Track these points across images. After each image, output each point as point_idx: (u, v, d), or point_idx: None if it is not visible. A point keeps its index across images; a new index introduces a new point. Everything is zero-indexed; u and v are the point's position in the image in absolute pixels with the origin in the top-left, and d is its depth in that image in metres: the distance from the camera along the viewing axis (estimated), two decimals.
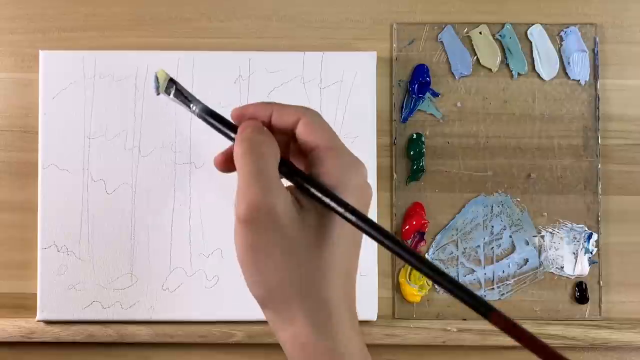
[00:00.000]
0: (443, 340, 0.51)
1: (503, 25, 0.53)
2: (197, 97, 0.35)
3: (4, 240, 0.51)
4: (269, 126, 0.34)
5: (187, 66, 0.51)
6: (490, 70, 0.53)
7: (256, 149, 0.31)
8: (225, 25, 0.53)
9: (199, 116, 0.35)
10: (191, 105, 0.35)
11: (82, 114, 0.50)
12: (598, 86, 0.53)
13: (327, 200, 0.31)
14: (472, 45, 0.53)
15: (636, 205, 0.53)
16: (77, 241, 0.50)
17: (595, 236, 0.52)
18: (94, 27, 0.52)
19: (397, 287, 0.52)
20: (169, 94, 0.35)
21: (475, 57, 0.53)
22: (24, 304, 0.51)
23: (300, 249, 0.31)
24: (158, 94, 0.35)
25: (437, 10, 0.53)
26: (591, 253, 0.52)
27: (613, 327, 0.51)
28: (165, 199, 0.50)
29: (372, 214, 0.51)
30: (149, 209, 0.50)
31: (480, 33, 0.53)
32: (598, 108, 0.53)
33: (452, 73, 0.53)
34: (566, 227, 0.52)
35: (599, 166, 0.52)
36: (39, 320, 0.50)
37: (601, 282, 0.52)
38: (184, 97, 0.35)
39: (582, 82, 0.53)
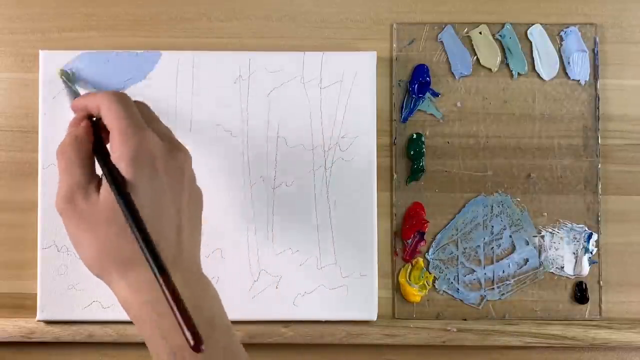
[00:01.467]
0: (443, 340, 0.51)
1: (503, 25, 0.53)
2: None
3: (4, 240, 0.51)
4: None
5: (187, 66, 0.51)
6: (490, 70, 0.53)
7: (64, 146, 0.39)
8: (225, 25, 0.53)
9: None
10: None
11: None
12: (598, 86, 0.53)
13: (106, 177, 0.37)
14: (472, 45, 0.53)
15: (636, 205, 0.53)
16: None
17: (595, 236, 0.52)
18: (94, 27, 0.52)
19: (397, 287, 0.52)
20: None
21: (475, 57, 0.53)
22: (24, 304, 0.51)
23: (100, 225, 0.37)
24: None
25: (437, 10, 0.53)
26: (591, 253, 0.52)
27: (613, 327, 0.51)
28: None
29: (372, 214, 0.51)
30: None
31: (480, 33, 0.53)
32: (598, 108, 0.53)
33: (452, 73, 0.53)
34: (566, 227, 0.52)
35: (599, 166, 0.52)
36: (39, 320, 0.50)
37: (601, 282, 0.52)
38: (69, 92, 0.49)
39: (582, 82, 0.53)
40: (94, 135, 0.40)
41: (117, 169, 0.37)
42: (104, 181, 0.37)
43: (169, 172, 0.38)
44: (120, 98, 0.39)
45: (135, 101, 0.41)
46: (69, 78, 0.50)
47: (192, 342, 0.33)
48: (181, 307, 0.34)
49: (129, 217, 0.36)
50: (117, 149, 0.37)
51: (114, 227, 0.37)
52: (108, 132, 0.39)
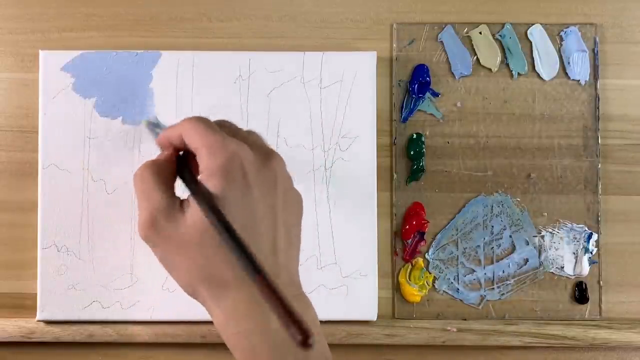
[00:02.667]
0: (443, 340, 0.51)
1: (503, 25, 0.53)
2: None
3: (4, 240, 0.51)
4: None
5: (187, 66, 0.51)
6: (490, 70, 0.53)
7: (143, 174, 0.37)
8: (225, 25, 0.53)
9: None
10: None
11: (82, 114, 0.51)
12: (598, 86, 0.53)
13: (192, 195, 0.35)
14: (472, 45, 0.53)
15: (636, 205, 0.53)
16: (77, 241, 0.50)
17: (595, 236, 0.52)
18: (94, 27, 0.52)
19: (397, 287, 0.52)
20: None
21: (475, 57, 0.53)
22: (24, 304, 0.51)
23: (189, 246, 0.35)
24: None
25: (437, 10, 0.53)
26: (591, 253, 0.52)
27: (613, 327, 0.51)
28: None
29: (372, 214, 0.51)
30: None
31: (480, 33, 0.53)
32: (598, 108, 0.53)
33: (452, 73, 0.53)
34: (566, 227, 0.52)
35: (599, 166, 0.52)
36: (39, 320, 0.50)
37: (601, 282, 0.52)
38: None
39: (582, 82, 0.53)
40: (179, 163, 0.38)
41: (204, 186, 0.35)
42: (191, 202, 0.35)
43: (261, 183, 0.36)
44: (200, 118, 0.37)
45: (217, 120, 0.39)
46: (155, 124, 0.47)
47: (299, 338, 0.29)
48: (283, 303, 0.31)
49: (221, 229, 0.33)
50: (206, 166, 0.35)
51: (204, 249, 0.34)
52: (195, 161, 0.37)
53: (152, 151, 0.50)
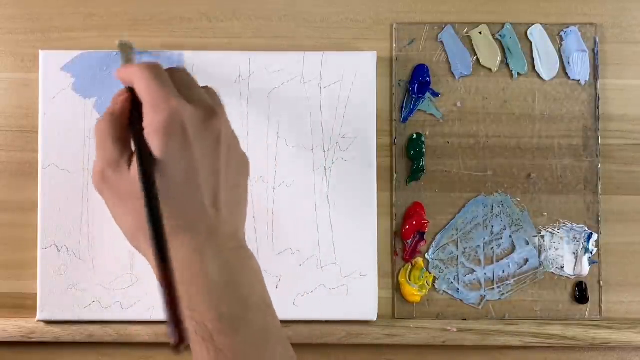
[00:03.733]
0: (443, 340, 0.51)
1: (503, 25, 0.53)
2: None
3: (4, 240, 0.51)
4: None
5: (187, 66, 0.51)
6: (490, 70, 0.53)
7: (97, 130, 0.38)
8: (225, 25, 0.53)
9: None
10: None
11: (82, 114, 0.51)
12: (598, 86, 0.53)
13: (134, 146, 0.37)
14: (472, 45, 0.53)
15: (636, 205, 0.53)
16: (77, 241, 0.50)
17: (595, 236, 0.52)
18: (94, 27, 0.52)
19: (397, 287, 0.52)
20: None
21: (475, 57, 0.53)
22: (24, 304, 0.51)
23: (131, 198, 0.36)
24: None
25: (437, 10, 0.53)
26: (591, 253, 0.52)
27: (613, 327, 0.51)
28: None
29: (372, 214, 0.51)
30: None
31: (480, 33, 0.53)
32: (598, 108, 0.53)
33: (452, 73, 0.53)
34: (566, 227, 0.52)
35: (599, 166, 0.52)
36: (39, 320, 0.50)
37: (601, 282, 0.52)
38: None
39: (582, 82, 0.53)
40: (133, 110, 0.39)
41: (146, 142, 0.36)
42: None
43: (202, 142, 0.36)
44: (151, 69, 0.38)
45: (171, 68, 0.39)
46: (128, 46, 0.48)
47: (173, 340, 0.32)
48: (172, 300, 0.32)
49: (143, 193, 0.35)
50: (148, 122, 0.36)
51: (142, 202, 0.35)
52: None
53: None
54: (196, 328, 0.35)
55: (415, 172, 0.52)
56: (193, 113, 0.36)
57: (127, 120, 0.38)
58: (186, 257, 0.35)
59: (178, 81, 0.39)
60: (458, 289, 0.52)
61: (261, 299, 0.37)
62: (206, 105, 0.38)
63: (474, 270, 0.52)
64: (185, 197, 0.35)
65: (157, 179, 0.35)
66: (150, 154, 0.36)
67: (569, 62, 0.53)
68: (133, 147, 0.38)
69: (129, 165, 0.37)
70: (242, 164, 0.40)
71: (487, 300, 0.52)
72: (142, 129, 0.37)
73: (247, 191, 0.40)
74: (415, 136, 0.52)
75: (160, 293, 0.33)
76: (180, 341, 0.32)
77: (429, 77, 0.52)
